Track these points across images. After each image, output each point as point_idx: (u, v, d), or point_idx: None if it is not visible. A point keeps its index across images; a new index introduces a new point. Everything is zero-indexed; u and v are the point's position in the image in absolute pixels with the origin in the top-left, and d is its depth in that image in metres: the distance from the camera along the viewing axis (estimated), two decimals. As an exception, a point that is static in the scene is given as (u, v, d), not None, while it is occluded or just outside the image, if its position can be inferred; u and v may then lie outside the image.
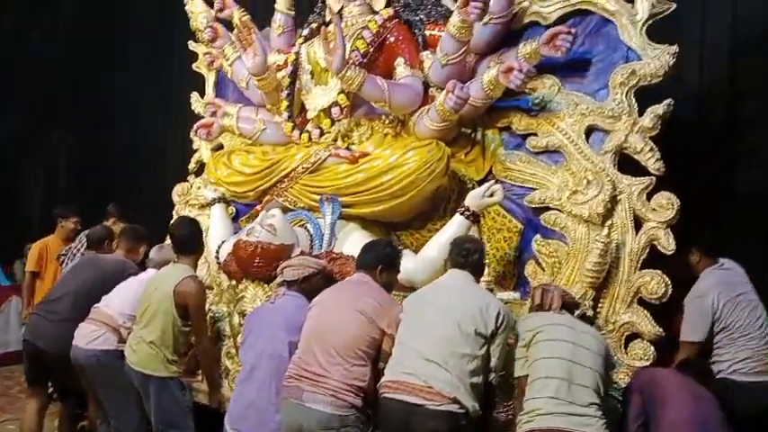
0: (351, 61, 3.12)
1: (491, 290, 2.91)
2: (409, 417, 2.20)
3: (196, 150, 4.62)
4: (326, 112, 3.41)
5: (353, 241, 3.07)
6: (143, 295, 3.02)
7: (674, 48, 2.94)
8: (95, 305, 3.18)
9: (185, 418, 2.89)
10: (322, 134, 3.37)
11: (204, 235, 3.53)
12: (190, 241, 3.08)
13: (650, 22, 3.02)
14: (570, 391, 2.21)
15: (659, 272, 2.82)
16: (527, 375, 2.29)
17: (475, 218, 2.94)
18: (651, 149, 2.91)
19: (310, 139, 3.39)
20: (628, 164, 3.01)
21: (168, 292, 2.90)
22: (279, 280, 2.68)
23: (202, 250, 3.31)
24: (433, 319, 2.35)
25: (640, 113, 2.97)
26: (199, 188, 4.32)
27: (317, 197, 3.24)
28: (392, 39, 3.41)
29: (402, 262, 2.86)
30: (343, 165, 3.20)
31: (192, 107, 4.70)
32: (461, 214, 2.91)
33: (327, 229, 3.15)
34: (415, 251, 3.17)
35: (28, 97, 6.99)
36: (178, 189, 4.57)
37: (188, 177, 4.61)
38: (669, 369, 2.59)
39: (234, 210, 4.10)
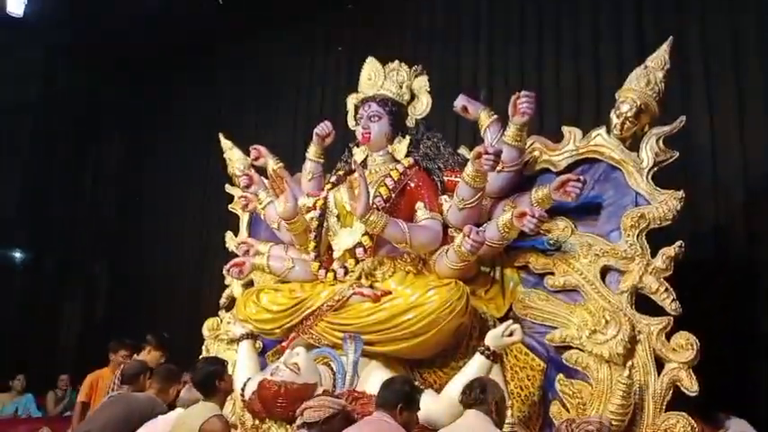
0: (374, 206, 3.35)
1: (514, 432, 2.89)
2: None
3: (227, 286, 4.82)
4: (351, 252, 3.59)
5: (376, 379, 3.11)
6: None
7: (680, 193, 3.10)
8: None
9: None
10: (346, 273, 3.53)
11: (231, 371, 3.61)
12: (204, 383, 3.15)
13: (655, 169, 3.21)
14: None
15: (685, 414, 2.78)
16: None
17: (495, 357, 2.98)
18: (666, 290, 2.98)
19: (335, 277, 3.55)
20: (647, 304, 3.07)
21: (193, 429, 2.92)
22: (299, 422, 2.71)
23: (227, 389, 3.36)
24: None
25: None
26: (228, 323, 4.45)
27: (341, 335, 3.33)
28: (413, 184, 3.66)
29: (423, 402, 2.88)
30: (367, 303, 3.32)
31: (227, 245, 4.98)
32: (482, 354, 2.96)
33: (350, 367, 3.20)
34: (439, 389, 3.18)
35: (71, 234, 7.46)
36: (208, 324, 4.71)
37: (218, 312, 4.77)
38: None
39: (261, 344, 4.19)
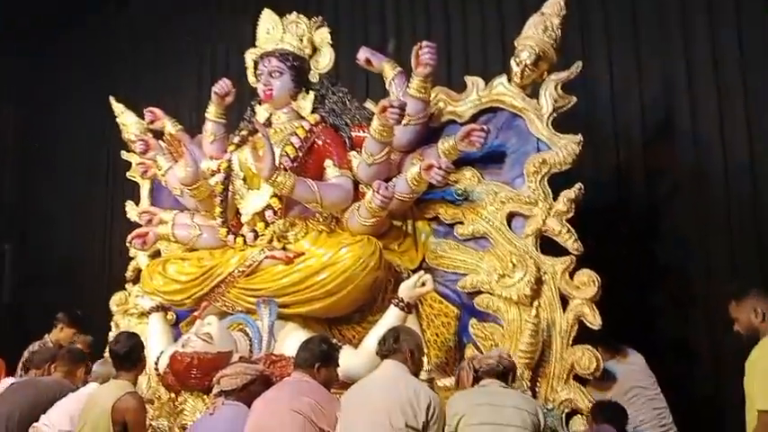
0: (281, 166, 3.25)
1: (432, 379, 2.97)
2: None
3: (132, 258, 4.60)
4: (260, 215, 3.49)
5: (293, 341, 3.07)
6: (82, 412, 2.94)
7: (579, 137, 3.21)
8: (34, 424, 3.08)
9: None
10: (256, 237, 3.44)
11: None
12: (129, 356, 3.02)
13: (555, 114, 3.30)
14: None
15: (589, 347, 2.95)
16: None
17: (409, 308, 3.03)
18: (569, 231, 3.10)
19: (245, 242, 3.45)
20: (551, 247, 3.20)
21: (106, 409, 2.82)
22: (216, 390, 2.65)
23: (144, 364, 3.24)
24: (365, 415, 2.35)
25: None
26: (137, 297, 4.26)
27: (255, 300, 3.27)
28: (320, 142, 3.58)
29: (341, 358, 2.90)
30: (279, 266, 3.26)
31: (128, 215, 4.73)
32: (396, 306, 2.99)
33: (266, 331, 3.16)
34: (358, 344, 3.21)
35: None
36: (116, 298, 4.51)
37: (126, 286, 4.56)
38: None
39: (174, 316, 4.05)
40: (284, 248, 3.41)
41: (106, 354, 4.01)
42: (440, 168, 3.07)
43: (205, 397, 2.95)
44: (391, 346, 2.51)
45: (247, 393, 2.64)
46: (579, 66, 3.35)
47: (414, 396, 2.35)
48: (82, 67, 6.57)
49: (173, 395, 3.14)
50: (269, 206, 3.44)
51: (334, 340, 3.06)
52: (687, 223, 3.78)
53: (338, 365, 2.74)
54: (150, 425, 3.16)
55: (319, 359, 2.61)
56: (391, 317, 2.99)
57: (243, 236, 3.47)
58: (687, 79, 3.87)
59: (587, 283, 3.01)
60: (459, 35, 4.44)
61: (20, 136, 7.32)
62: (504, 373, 2.58)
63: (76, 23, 6.59)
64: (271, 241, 3.44)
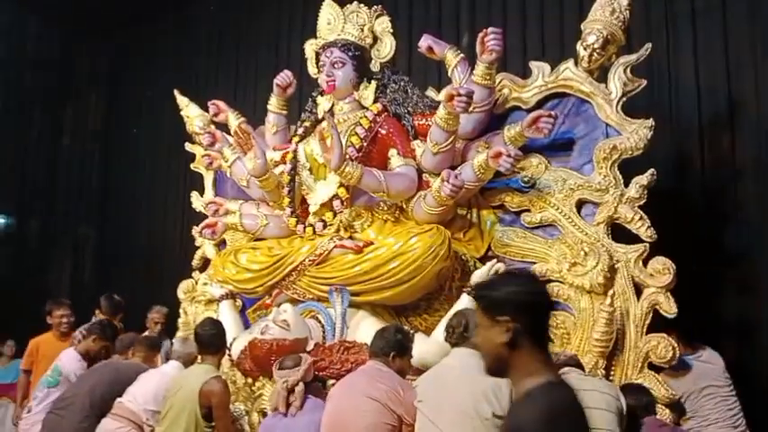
0: (348, 157, 3.29)
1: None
2: None
3: (199, 247, 4.74)
4: (328, 205, 3.55)
5: (365, 328, 3.16)
6: (167, 394, 3.07)
7: (650, 121, 3.15)
8: (119, 399, 3.23)
9: None
10: (325, 226, 3.50)
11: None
12: (214, 341, 3.14)
13: (624, 99, 3.24)
14: None
15: (665, 335, 2.91)
16: None
17: (482, 297, 3.03)
18: (641, 218, 3.06)
19: (314, 232, 3.52)
20: (621, 233, 3.16)
21: (193, 392, 2.95)
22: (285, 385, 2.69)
23: (225, 350, 3.35)
24: (449, 405, 2.33)
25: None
26: (204, 284, 4.40)
27: (326, 288, 3.33)
28: (384, 131, 3.61)
29: (415, 345, 2.94)
30: (349, 255, 3.31)
31: (193, 205, 4.86)
32: (469, 294, 3.01)
33: (338, 318, 3.23)
34: (425, 332, 3.25)
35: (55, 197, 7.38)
36: (183, 286, 4.65)
37: (192, 274, 4.71)
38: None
39: (240, 302, 4.17)
40: (351, 237, 3.47)
41: (183, 334, 4.21)
42: (509, 156, 3.05)
43: (283, 383, 3.03)
44: (461, 334, 2.50)
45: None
46: (648, 48, 3.28)
47: (495, 384, 2.35)
48: (164, 59, 6.75)
49: (249, 380, 3.24)
50: (336, 196, 3.50)
51: (407, 328, 3.10)
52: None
53: (412, 355, 2.77)
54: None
55: (395, 348, 2.65)
56: (462, 304, 3.01)
57: (312, 225, 3.54)
58: (753, 62, 3.73)
59: (662, 270, 2.97)
60: (518, 19, 4.35)
61: (104, 123, 7.64)
62: (579, 365, 2.60)
63: (161, 19, 6.78)
64: (338, 231, 3.50)
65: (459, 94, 3.07)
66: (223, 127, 4.33)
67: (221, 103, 4.36)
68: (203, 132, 4.14)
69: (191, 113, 4.79)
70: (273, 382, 3.07)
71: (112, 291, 4.97)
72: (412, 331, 3.09)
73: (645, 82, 3.27)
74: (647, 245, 3.04)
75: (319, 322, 3.31)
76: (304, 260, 3.42)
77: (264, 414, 3.02)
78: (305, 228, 3.57)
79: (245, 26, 6.16)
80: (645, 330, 2.96)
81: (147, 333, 4.55)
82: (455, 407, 2.31)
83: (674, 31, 3.99)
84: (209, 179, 4.83)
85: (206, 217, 4.71)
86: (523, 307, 1.40)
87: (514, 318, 1.40)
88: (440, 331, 3.02)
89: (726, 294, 3.67)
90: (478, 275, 3.02)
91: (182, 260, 4.78)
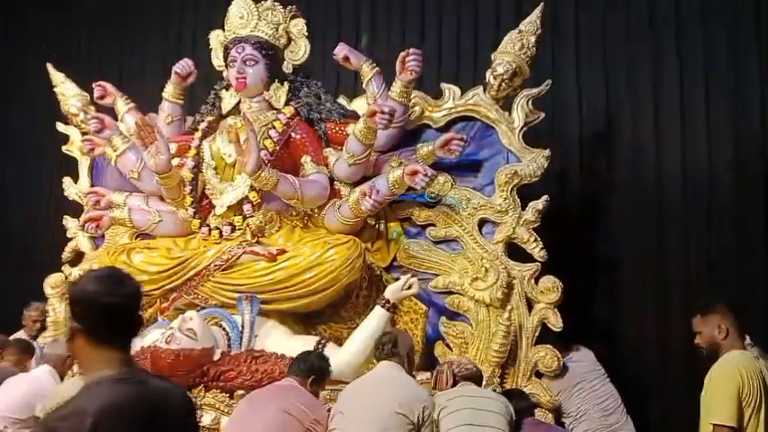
0: (265, 162, 3.23)
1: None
2: None
3: (71, 239, 4.33)
4: (235, 208, 3.45)
5: (277, 338, 3.15)
6: (48, 402, 2.78)
7: (547, 151, 3.47)
8: None
9: None
10: (233, 230, 3.41)
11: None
12: None
13: (525, 128, 3.54)
14: None
15: (550, 347, 3.26)
16: None
17: (394, 309, 3.16)
18: (536, 240, 3.38)
19: (221, 235, 3.41)
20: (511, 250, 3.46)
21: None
22: None
23: None
24: (365, 404, 2.52)
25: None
26: (80, 281, 4.04)
27: (232, 294, 3.25)
28: (297, 136, 3.58)
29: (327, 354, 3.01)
30: (261, 262, 3.26)
31: (65, 193, 4.43)
32: (382, 306, 3.11)
33: (247, 326, 3.17)
34: (332, 340, 3.30)
35: None
36: (51, 281, 4.23)
37: (62, 268, 4.30)
38: None
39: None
40: (258, 242, 3.41)
41: (52, 334, 3.86)
42: (425, 175, 3.20)
43: (187, 393, 2.92)
44: (390, 350, 2.69)
45: None
46: (549, 84, 3.61)
47: (412, 394, 2.56)
48: (36, 42, 5.86)
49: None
50: (247, 199, 3.41)
51: (317, 338, 3.15)
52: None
53: (325, 383, 2.82)
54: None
55: (315, 373, 2.70)
56: (376, 317, 3.10)
57: (218, 228, 3.42)
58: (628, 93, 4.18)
59: (551, 288, 3.30)
60: (434, 40, 4.49)
61: None
62: (479, 378, 2.88)
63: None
64: (245, 235, 3.42)
65: (383, 112, 3.15)
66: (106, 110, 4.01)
67: (108, 86, 4.03)
68: (90, 117, 3.79)
69: (66, 92, 4.37)
70: (176, 393, 2.95)
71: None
72: (323, 341, 3.15)
73: (543, 114, 3.59)
74: (539, 264, 3.37)
75: (223, 330, 3.22)
76: (209, 265, 3.30)
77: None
78: (210, 230, 3.44)
79: (133, 6, 5.66)
80: (534, 342, 3.28)
81: (22, 332, 4.12)
82: (370, 404, 2.49)
83: (559, 49, 4.27)
84: (84, 165, 4.42)
85: (80, 206, 4.37)
86: (85, 306, 1.44)
87: (76, 316, 1.46)
88: (353, 342, 3.11)
89: (597, 298, 4.06)
90: (392, 289, 3.14)
91: (56, 251, 4.33)
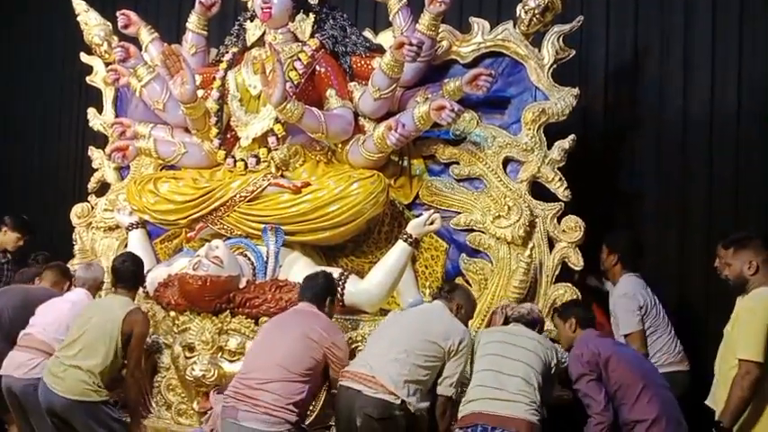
0: (290, 94, 3.21)
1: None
2: (351, 401, 2.53)
3: (96, 170, 4.39)
4: (260, 140, 3.46)
5: (299, 269, 3.21)
6: (77, 321, 2.99)
7: (576, 90, 3.41)
8: (26, 331, 3.12)
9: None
10: (258, 162, 3.42)
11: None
12: (132, 276, 3.10)
13: (555, 66, 3.46)
14: (497, 379, 2.54)
15: (570, 285, 3.29)
16: None
17: (416, 244, 3.20)
18: (560, 179, 3.36)
19: (246, 167, 3.42)
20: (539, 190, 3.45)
21: (114, 320, 2.92)
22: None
23: (140, 287, 3.24)
24: (398, 328, 2.68)
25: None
26: (107, 211, 4.12)
27: (257, 225, 3.30)
28: (321, 69, 3.54)
29: (348, 287, 3.08)
30: (285, 194, 3.29)
31: (90, 124, 4.46)
32: (404, 241, 3.14)
33: (271, 256, 3.23)
34: (354, 273, 3.35)
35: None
36: (77, 210, 4.32)
37: (88, 198, 4.37)
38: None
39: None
40: (282, 176, 3.43)
41: (80, 260, 3.98)
42: (452, 110, 3.15)
43: (214, 318, 3.01)
44: (446, 293, 2.84)
45: None
46: (581, 20, 3.51)
47: (451, 326, 2.68)
48: None
49: (172, 314, 3.16)
50: (272, 132, 3.41)
51: (340, 270, 3.21)
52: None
53: (341, 300, 2.95)
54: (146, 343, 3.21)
55: (329, 293, 2.84)
56: (398, 251, 3.14)
57: (243, 160, 3.44)
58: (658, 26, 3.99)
59: (574, 227, 3.30)
60: None
61: None
62: (533, 323, 2.84)
63: None
64: (270, 167, 3.43)
65: (411, 44, 3.09)
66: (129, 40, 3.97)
67: (132, 15, 3.99)
68: (116, 46, 3.77)
69: (90, 21, 4.34)
70: (203, 318, 3.05)
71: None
72: (346, 273, 3.20)
73: (574, 52, 3.51)
74: (563, 204, 3.36)
75: (248, 259, 3.28)
76: (235, 195, 3.33)
77: (191, 349, 3.00)
78: (235, 162, 3.46)
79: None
80: (554, 280, 3.30)
81: None
82: (407, 326, 2.70)
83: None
84: (108, 96, 4.43)
85: (105, 137, 4.41)
86: None
87: None
88: (375, 274, 3.16)
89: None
90: (415, 224, 3.15)
91: (78, 182, 4.40)
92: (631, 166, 4.01)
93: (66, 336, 2.99)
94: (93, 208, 4.28)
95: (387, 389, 2.51)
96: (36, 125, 5.74)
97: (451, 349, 2.60)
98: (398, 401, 2.51)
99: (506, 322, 2.86)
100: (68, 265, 3.81)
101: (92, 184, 4.38)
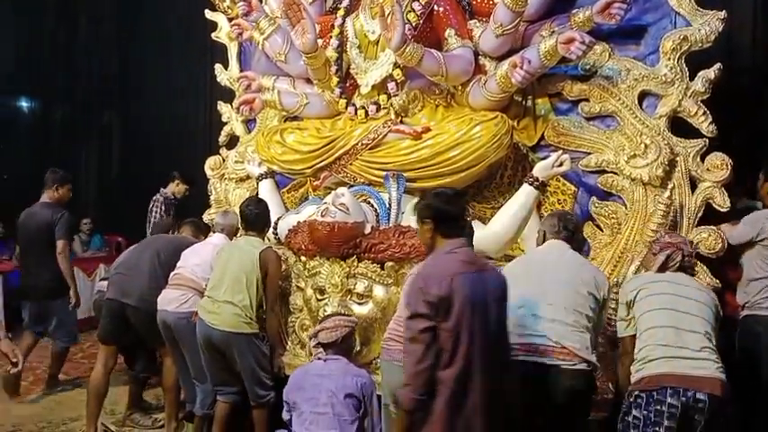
0: (409, 37, 3.14)
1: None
2: (545, 377, 2.32)
3: (226, 123, 4.61)
4: (380, 86, 3.44)
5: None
6: (218, 261, 3.22)
7: (723, 13, 3.05)
8: (175, 272, 3.39)
9: (269, 364, 3.17)
10: (379, 109, 3.42)
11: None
12: (260, 219, 3.27)
13: (697, -13, 3.11)
14: (679, 336, 2.33)
15: (715, 228, 3.02)
16: (632, 336, 2.44)
17: (542, 187, 3.07)
18: (704, 113, 3.06)
19: (367, 114, 3.43)
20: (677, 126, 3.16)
21: (252, 258, 3.11)
22: (314, 342, 2.70)
23: (268, 229, 3.41)
24: (550, 284, 2.45)
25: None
26: (237, 162, 4.33)
27: (379, 172, 3.32)
28: (440, 9, 3.42)
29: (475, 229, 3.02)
30: (406, 141, 3.27)
31: (218, 79, 4.66)
32: (530, 184, 3.03)
33: (394, 203, 3.24)
34: (472, 218, 3.29)
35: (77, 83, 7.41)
36: (210, 162, 4.57)
37: (219, 150, 4.61)
38: None
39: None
40: (402, 122, 3.41)
41: (216, 209, 4.26)
42: (582, 43, 2.94)
43: (342, 263, 3.10)
44: (569, 234, 2.62)
45: (346, 345, 2.68)
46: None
47: (597, 274, 2.55)
48: None
49: (303, 259, 3.29)
50: (391, 77, 3.38)
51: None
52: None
53: None
54: (280, 285, 3.38)
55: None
56: (524, 194, 3.04)
57: (364, 108, 3.44)
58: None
59: (720, 166, 3.02)
60: None
61: (119, 8, 7.31)
62: (690, 268, 2.63)
63: None
64: (390, 114, 3.42)
65: None
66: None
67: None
68: (238, 1, 3.86)
69: (213, -23, 4.47)
70: (332, 262, 3.15)
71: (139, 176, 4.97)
72: (469, 218, 3.15)
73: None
74: (707, 140, 3.07)
75: (372, 206, 3.33)
76: (357, 144, 3.37)
77: (321, 291, 3.12)
78: (356, 110, 3.48)
79: None
80: (696, 223, 3.06)
81: None
82: (558, 280, 2.48)
83: None
84: (233, 51, 4.60)
85: (232, 91, 4.59)
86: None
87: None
88: (500, 218, 3.08)
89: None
90: (542, 166, 3.03)
91: (207, 136, 4.64)
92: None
93: (212, 276, 3.22)
94: (224, 160, 4.52)
95: (580, 357, 2.33)
96: (169, 83, 6.11)
97: (605, 298, 2.48)
98: (590, 368, 2.37)
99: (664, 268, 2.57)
100: (206, 214, 4.08)
101: (222, 138, 4.61)
